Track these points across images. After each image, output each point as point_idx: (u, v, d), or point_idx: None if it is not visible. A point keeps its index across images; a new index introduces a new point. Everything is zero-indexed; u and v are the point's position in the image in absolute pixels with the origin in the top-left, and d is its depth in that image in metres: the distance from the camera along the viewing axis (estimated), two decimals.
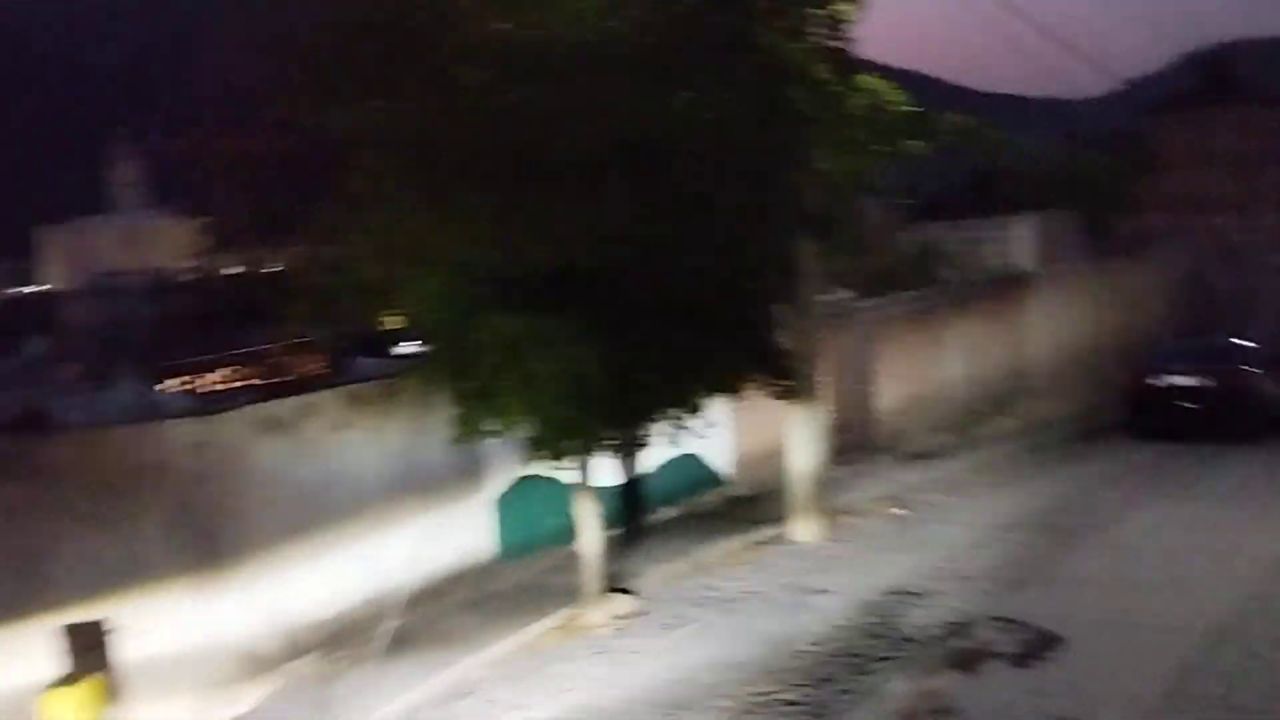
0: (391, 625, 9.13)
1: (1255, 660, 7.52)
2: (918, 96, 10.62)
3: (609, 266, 8.14)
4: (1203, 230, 29.94)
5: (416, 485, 10.02)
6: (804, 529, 11.69)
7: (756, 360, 9.10)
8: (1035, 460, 16.43)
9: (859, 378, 15.50)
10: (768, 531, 11.81)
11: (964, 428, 18.16)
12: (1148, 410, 18.60)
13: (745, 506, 12.85)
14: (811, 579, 10.37)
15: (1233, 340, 20.57)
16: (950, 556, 10.79)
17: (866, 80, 9.69)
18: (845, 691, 7.68)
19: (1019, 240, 20.23)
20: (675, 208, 8.22)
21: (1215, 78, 73.55)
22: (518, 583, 10.43)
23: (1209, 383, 18.17)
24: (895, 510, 12.88)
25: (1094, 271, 22.16)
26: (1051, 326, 20.63)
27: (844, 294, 15.26)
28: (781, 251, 8.90)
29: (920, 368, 17.04)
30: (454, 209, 7.41)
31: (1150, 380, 18.61)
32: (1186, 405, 18.20)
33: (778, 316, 9.26)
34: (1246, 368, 18.48)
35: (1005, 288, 19.72)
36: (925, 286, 18.48)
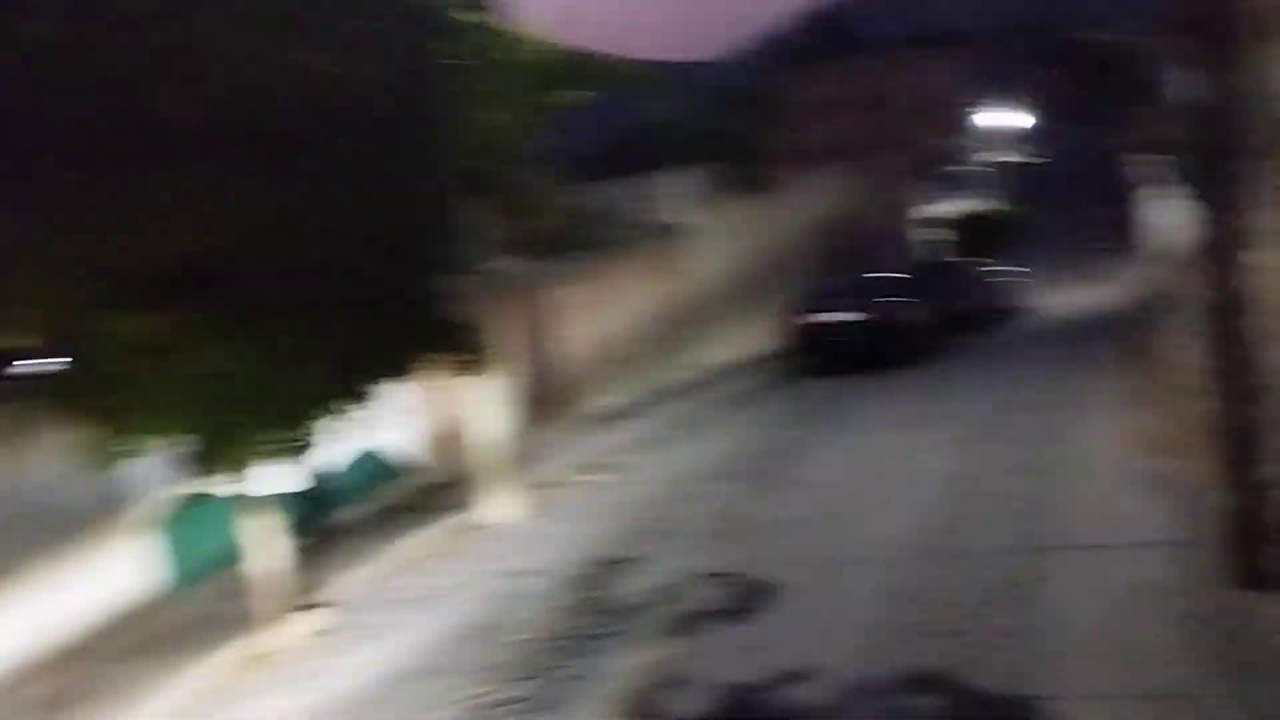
0: (39, 691, 7.83)
1: (960, 579, 7.74)
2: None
3: (247, 250, 7.19)
4: (839, 174, 31.77)
5: (54, 523, 8.66)
6: (504, 509, 11.18)
7: (431, 337, 8.38)
8: (718, 409, 16.73)
9: (540, 345, 15.14)
10: (470, 516, 11.21)
11: (648, 385, 18.26)
12: (810, 349, 19.48)
13: (442, 493, 12.17)
14: (518, 561, 9.88)
15: (879, 274, 21.93)
16: (653, 516, 10.63)
17: (516, 26, 9.14)
18: (571, 678, 7.25)
19: (676, 195, 20.50)
20: (315, 179, 7.33)
21: (831, 33, 79.17)
22: (194, 616, 9.27)
23: (861, 317, 19.21)
24: (592, 476, 12.63)
25: (747, 219, 22.91)
26: (715, 275, 21.13)
27: (514, 260, 14.78)
28: (445, 217, 8.21)
29: (598, 329, 16.90)
30: (44, 194, 6.21)
31: (808, 319, 19.44)
32: (844, 340, 19.19)
33: (449, 288, 8.59)
34: (894, 299, 19.65)
35: (669, 242, 19.97)
36: (591, 247, 18.35)
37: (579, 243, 18.67)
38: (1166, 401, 12.10)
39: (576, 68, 9.67)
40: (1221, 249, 6.66)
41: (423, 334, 8.66)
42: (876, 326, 19.16)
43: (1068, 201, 60.14)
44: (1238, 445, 6.67)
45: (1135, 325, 23.09)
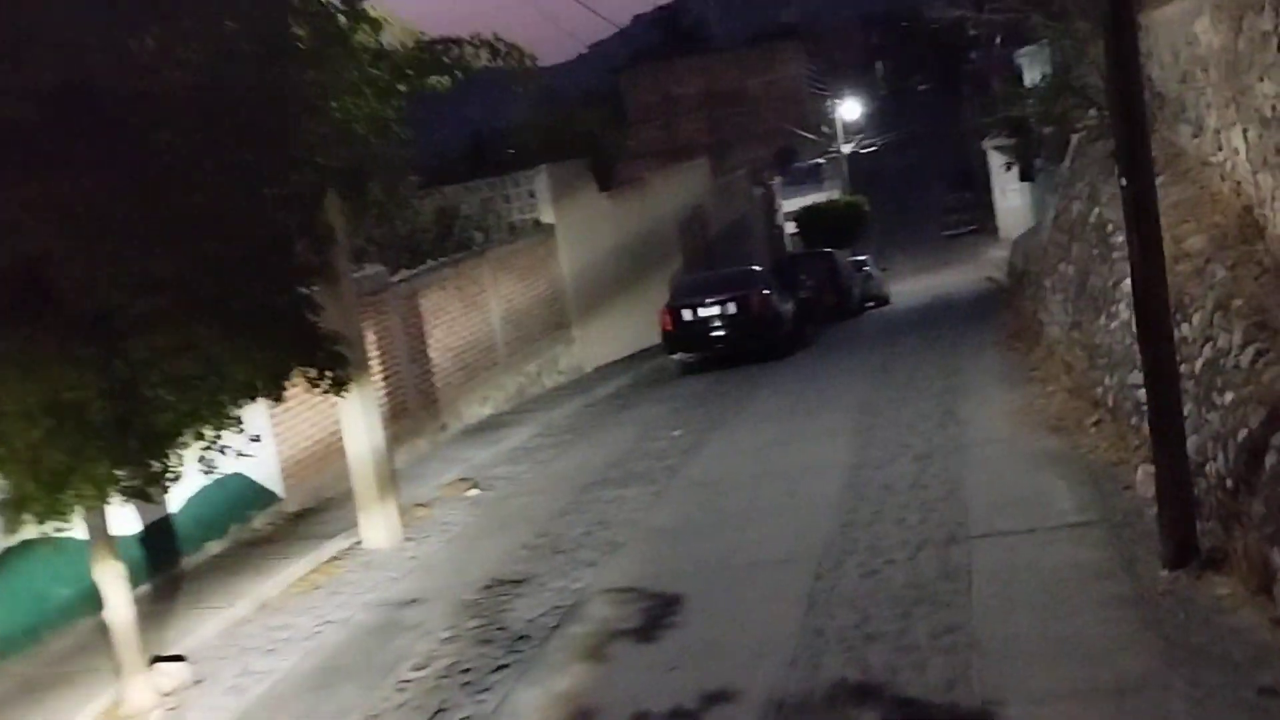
0: None
1: (880, 577, 7.27)
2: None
3: (92, 259, 6.25)
4: (694, 168, 31.45)
5: None
6: (377, 533, 10.30)
7: (295, 351, 7.49)
8: (597, 410, 16.13)
9: (409, 355, 14.24)
10: (337, 545, 10.29)
11: (524, 389, 17.51)
12: (685, 342, 19.05)
13: (307, 522, 11.22)
14: (397, 590, 9.06)
15: (746, 267, 21.63)
16: (541, 531, 9.92)
17: (375, 9, 8.29)
18: (467, 718, 6.51)
19: (535, 193, 19.79)
20: (163, 177, 6.44)
21: (671, 33, 79.45)
22: (26, 680, 8.16)
23: (733, 309, 18.86)
24: (472, 491, 11.85)
25: (608, 215, 22.34)
26: (582, 272, 20.49)
27: (376, 267, 13.88)
28: (307, 219, 7.34)
29: (466, 335, 16.07)
30: None
31: (682, 313, 19.00)
32: (718, 333, 18.82)
33: (312, 297, 7.72)
34: (764, 291, 19.34)
35: (532, 241, 19.25)
36: (452, 250, 17.53)
37: (439, 247, 17.84)
38: (1052, 378, 11.98)
39: (446, 55, 8.87)
40: (1138, 220, 6.31)
41: (287, 347, 7.76)
42: (747, 318, 18.85)
43: (920, 187, 61.71)
44: (1162, 421, 6.34)
45: (1002, 305, 23.44)
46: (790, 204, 43.31)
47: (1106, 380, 9.94)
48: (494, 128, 64.97)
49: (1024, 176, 34.82)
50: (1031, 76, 26.52)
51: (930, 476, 9.32)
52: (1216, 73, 8.81)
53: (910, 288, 41.58)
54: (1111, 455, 8.79)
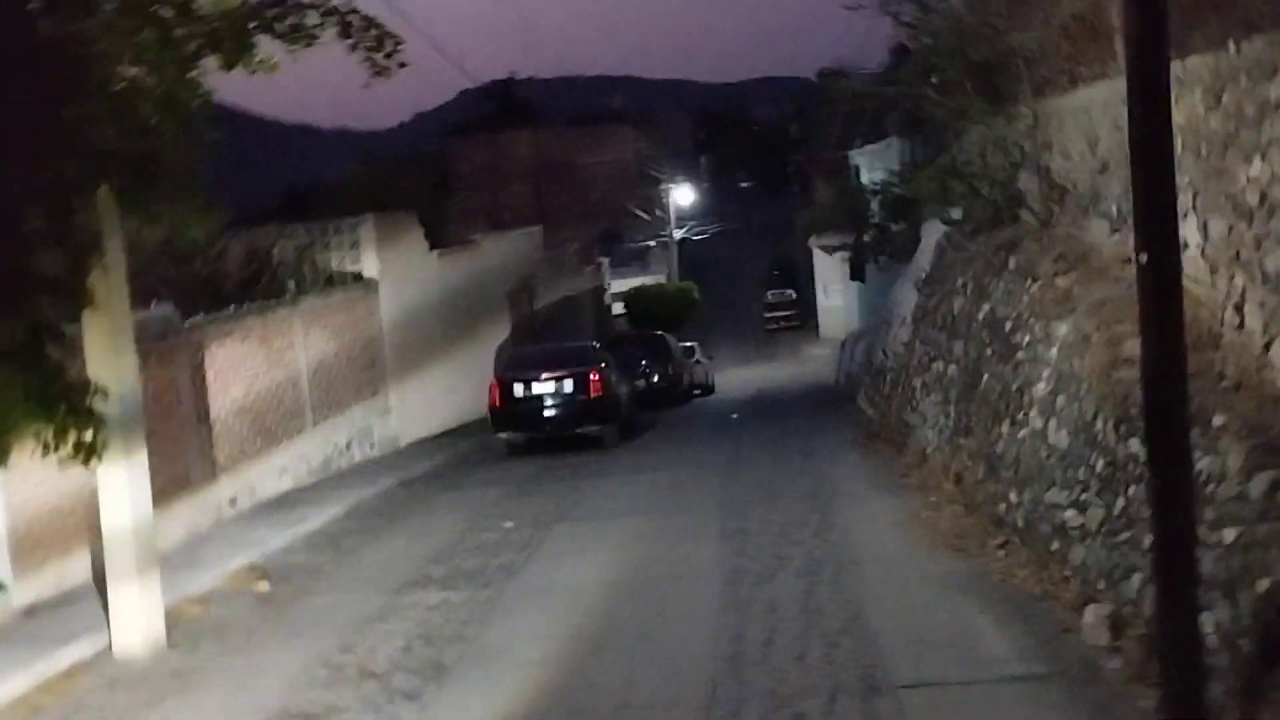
0: None
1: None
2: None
3: None
4: (523, 239, 30.02)
5: None
6: (133, 638, 8.12)
7: (26, 399, 5.49)
8: (415, 490, 14.24)
9: (196, 414, 12.03)
10: (77, 652, 8.05)
11: (329, 460, 15.42)
12: (514, 420, 17.38)
13: (40, 618, 8.90)
14: (157, 716, 6.97)
15: (584, 343, 20.14)
16: (346, 644, 7.95)
17: None
18: None
19: (359, 243, 17.87)
20: None
21: (505, 105, 78.76)
22: None
23: (569, 388, 17.34)
24: (262, 585, 9.76)
25: (437, 275, 20.56)
26: (405, 334, 18.59)
27: (165, 307, 11.69)
28: (63, 220, 5.41)
29: (268, 396, 13.94)
30: None
31: (513, 388, 17.34)
32: (551, 412, 17.24)
33: (60, 329, 5.74)
34: (603, 370, 17.90)
35: (351, 295, 17.27)
36: (260, 298, 15.40)
37: (251, 290, 15.71)
38: (933, 487, 10.85)
39: (266, 22, 7.03)
40: (1157, 302, 5.09)
41: (35, 398, 5.74)
42: (585, 399, 17.33)
43: (743, 280, 62.02)
44: (1172, 566, 5.06)
45: (841, 403, 22.68)
46: (618, 284, 42.34)
47: (1013, 496, 8.80)
48: (313, 183, 62.46)
49: (854, 275, 34.85)
50: (871, 175, 26.27)
51: (823, 598, 7.89)
52: None
53: (733, 379, 41.00)
54: (1032, 585, 7.57)
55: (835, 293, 46.83)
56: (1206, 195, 7.16)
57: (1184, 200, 7.52)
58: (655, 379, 28.29)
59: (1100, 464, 7.39)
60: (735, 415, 22.49)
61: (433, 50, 27.64)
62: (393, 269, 18.42)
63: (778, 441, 16.30)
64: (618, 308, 40.81)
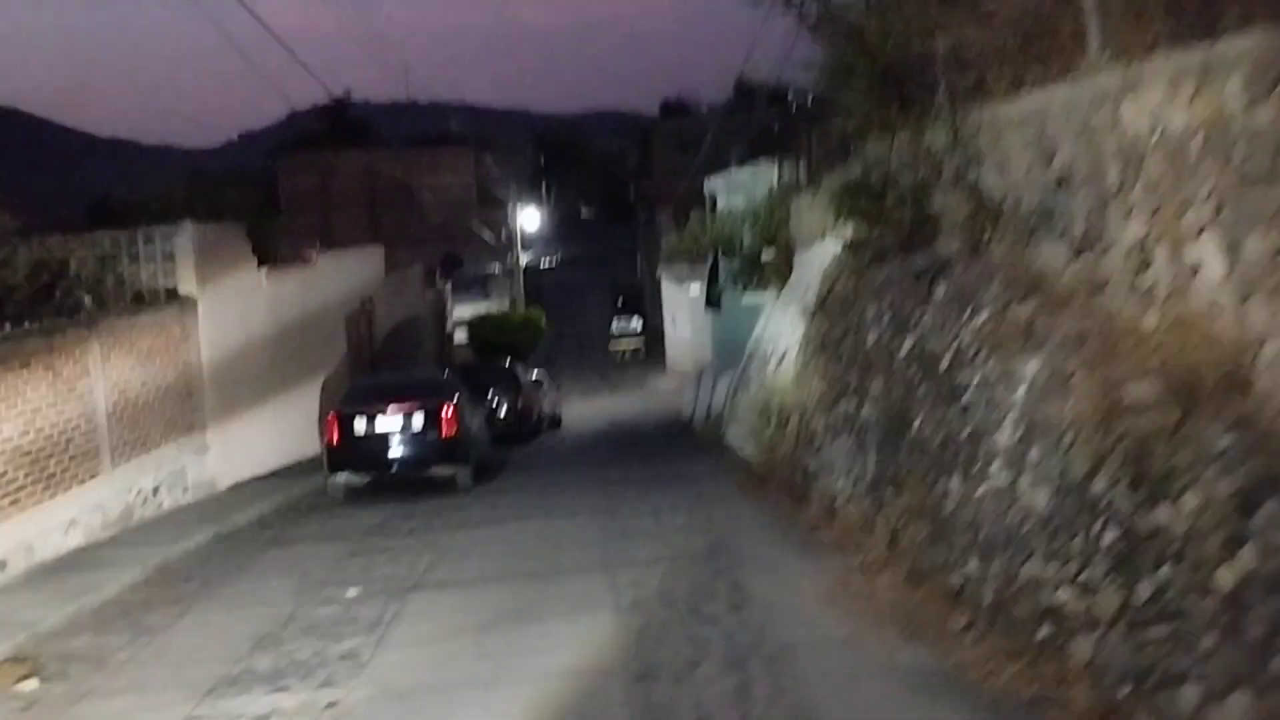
0: None
1: None
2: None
3: None
4: (360, 255, 27.73)
5: None
6: None
7: None
8: (236, 546, 12.09)
9: None
10: None
11: (129, 511, 13.09)
12: (354, 460, 15.32)
13: None
14: None
15: (434, 372, 18.19)
16: None
17: None
18: None
19: (174, 255, 15.53)
20: None
21: (335, 124, 75.65)
22: None
23: (419, 423, 15.40)
24: (26, 684, 7.55)
25: (266, 296, 18.28)
26: (228, 361, 16.29)
27: None
28: None
29: (52, 433, 11.57)
30: None
31: (353, 422, 15.29)
32: (398, 451, 15.27)
33: None
34: (456, 402, 16.02)
35: (164, 315, 14.91)
36: (53, 314, 13.01)
37: (40, 307, 13.31)
38: (856, 547, 9.40)
39: None
40: None
41: None
42: (436, 436, 15.41)
43: (588, 308, 60.54)
44: None
45: (706, 442, 21.27)
46: (460, 311, 40.23)
47: (973, 566, 7.39)
48: (125, 196, 58.19)
49: (709, 304, 33.70)
50: (731, 202, 25.11)
51: (765, 705, 6.26)
52: (1161, 167, 6.65)
53: (580, 412, 39.35)
54: (1024, 686, 6.12)
55: (684, 323, 45.76)
56: (1239, 208, 5.90)
57: (1199, 214, 6.28)
58: (504, 413, 26.44)
59: (1108, 535, 6.02)
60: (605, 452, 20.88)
61: (256, 70, 24.90)
62: (214, 286, 16.12)
63: (652, 484, 14.70)
64: (460, 335, 38.71)
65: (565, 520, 12.55)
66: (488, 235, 51.21)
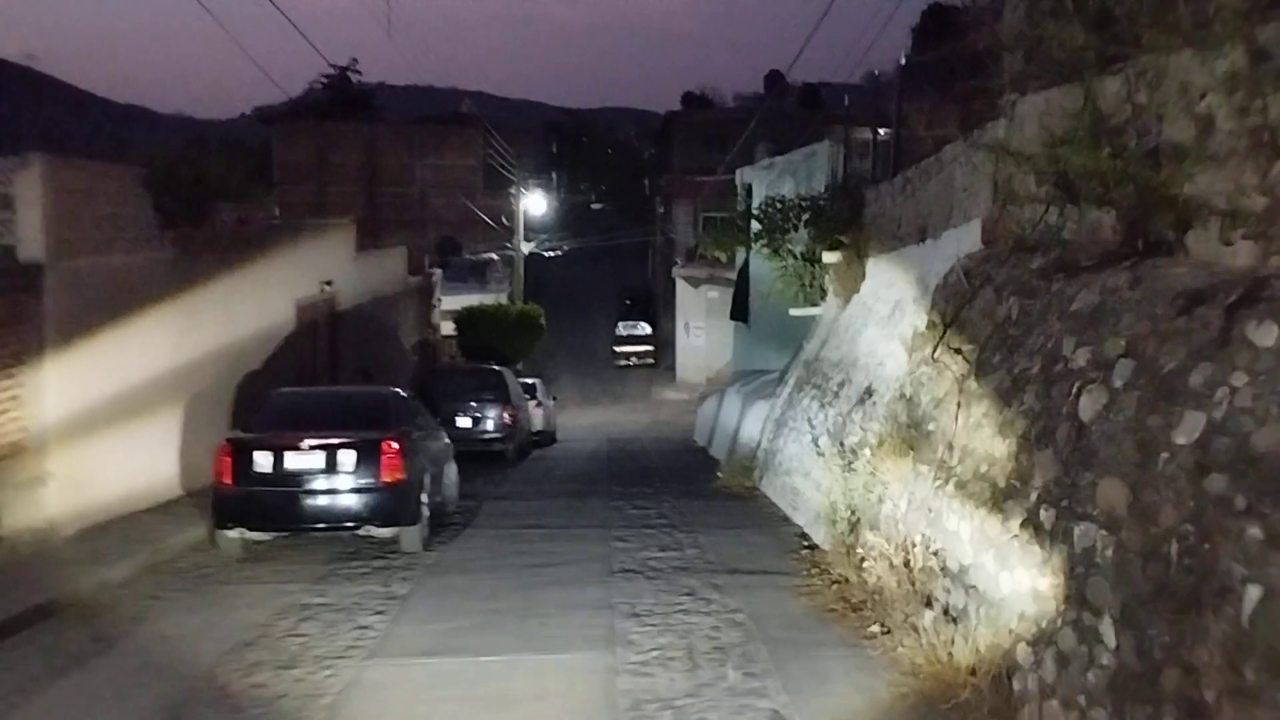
0: None
1: None
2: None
3: None
4: (321, 229, 23.13)
5: None
6: None
7: None
8: (55, 648, 7.55)
9: None
10: None
11: None
12: (253, 510, 10.75)
13: None
14: None
15: (382, 389, 13.59)
16: None
17: None
18: None
19: (14, 200, 10.96)
20: None
21: (338, 95, 71.31)
22: None
23: (349, 462, 10.85)
24: None
25: (168, 269, 13.72)
26: (93, 352, 11.73)
27: None
28: None
29: None
30: None
31: (254, 458, 10.73)
32: (315, 500, 10.70)
33: None
34: (404, 432, 11.47)
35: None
36: None
37: None
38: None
39: None
40: None
41: None
42: (372, 482, 10.87)
43: (593, 307, 55.79)
44: None
45: (728, 477, 16.70)
46: (452, 301, 35.62)
47: None
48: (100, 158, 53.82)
49: (736, 314, 29.11)
50: (773, 194, 20.40)
51: None
52: None
53: (577, 422, 34.84)
54: None
55: (699, 331, 41.26)
56: None
57: None
58: (487, 430, 21.90)
59: None
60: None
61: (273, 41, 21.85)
62: (77, 250, 11.55)
63: (677, 577, 10.13)
64: (448, 327, 34.07)
65: (560, 622, 8.04)
66: (498, 217, 46.63)
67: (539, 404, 27.67)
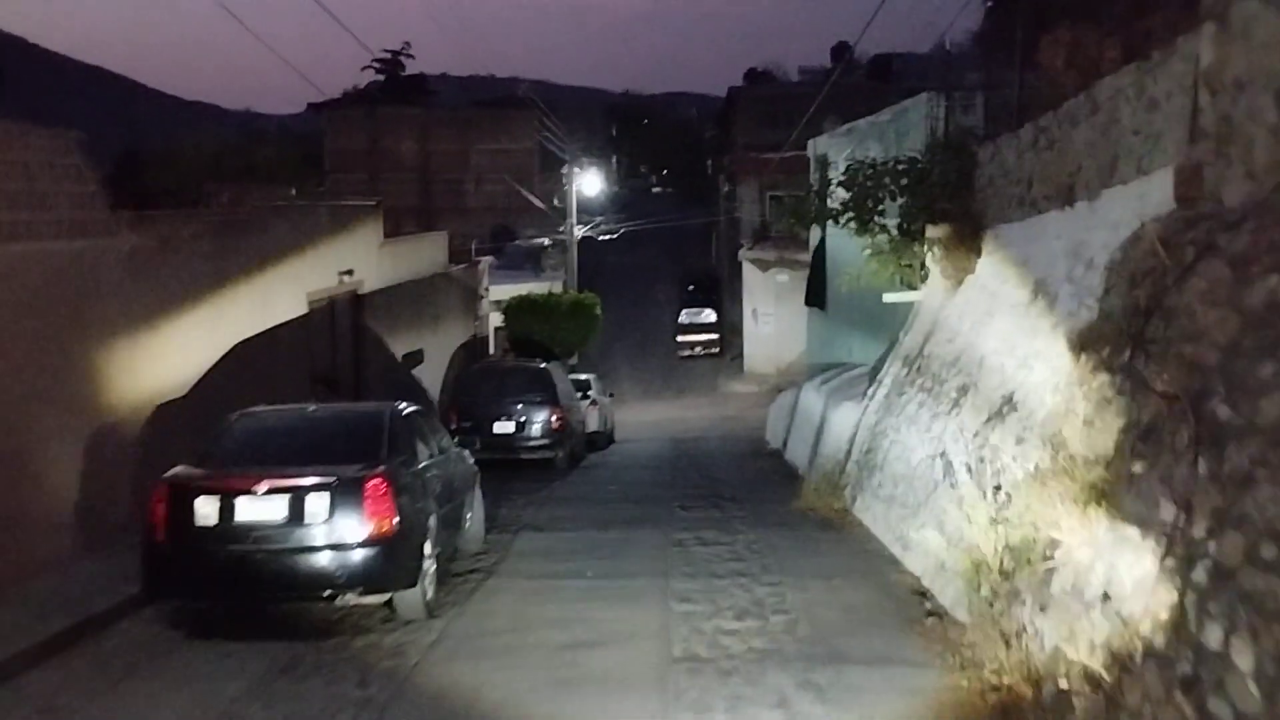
0: None
1: None
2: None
3: None
4: (335, 213, 20.59)
5: None
6: None
7: None
8: None
9: None
10: None
11: None
12: (193, 575, 8.12)
13: None
14: None
15: (375, 407, 10.82)
16: None
17: None
18: None
19: None
20: None
21: (391, 81, 69.21)
22: None
23: (321, 510, 8.19)
24: None
25: (135, 263, 11.19)
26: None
27: None
28: None
29: None
30: None
31: (194, 507, 8.10)
32: (274, 567, 8.03)
33: None
34: (394, 470, 8.79)
35: None
36: None
37: None
38: None
39: None
40: None
41: None
42: (354, 540, 8.20)
43: (653, 294, 52.99)
44: None
45: (831, 511, 13.83)
46: (505, 290, 33.08)
47: None
48: (156, 148, 52.12)
49: (811, 299, 26.20)
50: (843, 164, 17.30)
51: None
52: None
53: (637, 419, 32.12)
54: None
55: (768, 319, 38.30)
56: None
57: None
58: (533, 436, 19.28)
59: None
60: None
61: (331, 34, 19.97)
62: None
63: (762, 650, 7.39)
64: (496, 319, 31.51)
65: None
66: (550, 199, 43.99)
67: (594, 402, 25.01)
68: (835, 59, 65.37)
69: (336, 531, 8.05)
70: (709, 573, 10.39)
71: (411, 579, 8.49)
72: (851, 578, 9.94)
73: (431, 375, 22.97)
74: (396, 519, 8.24)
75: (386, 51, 71.09)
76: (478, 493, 11.59)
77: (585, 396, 24.32)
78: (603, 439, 25.25)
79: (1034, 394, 8.39)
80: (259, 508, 7.99)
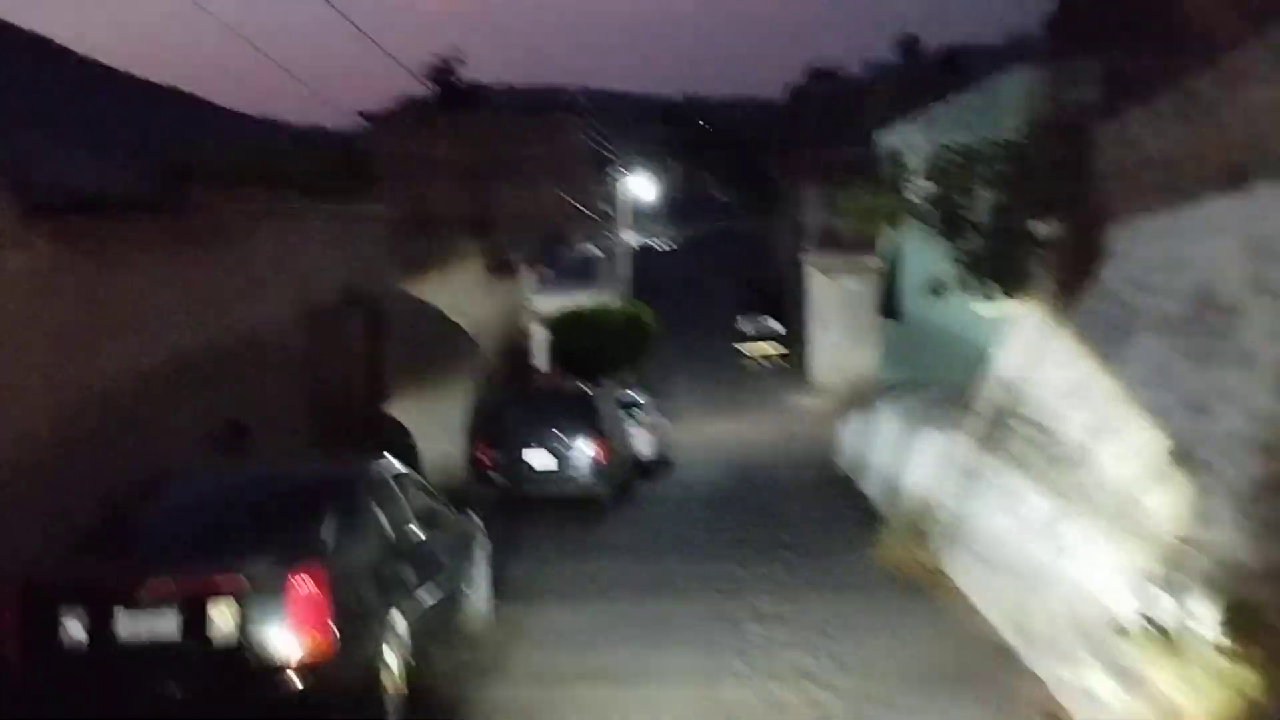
0: None
1: None
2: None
3: None
4: (343, 213, 18.58)
5: None
6: None
7: None
8: None
9: None
10: None
11: None
12: (53, 710, 5.86)
13: None
14: None
15: (314, 471, 8.52)
16: None
17: None
18: None
19: None
20: None
21: (443, 88, 67.75)
22: None
23: (229, 615, 5.94)
24: None
25: (55, 282, 9.12)
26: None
27: None
28: None
29: None
30: None
31: (58, 620, 5.91)
32: (166, 694, 5.77)
33: None
34: (330, 560, 6.52)
35: None
36: None
37: None
38: None
39: None
40: None
41: None
42: (264, 660, 5.98)
43: (712, 303, 50.55)
44: None
45: (912, 561, 11.39)
46: (553, 304, 30.96)
47: None
48: (201, 159, 51.06)
49: (887, 309, 23.69)
50: (935, 154, 14.78)
51: None
52: None
53: (696, 437, 29.76)
54: None
55: (836, 328, 35.76)
56: None
57: None
58: (573, 472, 16.97)
59: None
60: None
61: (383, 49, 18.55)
62: None
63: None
64: (542, 334, 29.39)
65: None
66: (600, 208, 41.91)
67: (645, 424, 22.73)
68: (903, 53, 62.57)
69: (250, 653, 5.83)
70: (767, 671, 8.06)
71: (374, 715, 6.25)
72: (959, 687, 7.54)
73: (452, 403, 20.69)
74: (331, 633, 6.00)
75: (439, 58, 69.59)
76: (480, 569, 9.33)
77: (636, 419, 22.07)
78: (658, 465, 22.97)
79: (1219, 452, 5.96)
80: (144, 621, 5.81)
